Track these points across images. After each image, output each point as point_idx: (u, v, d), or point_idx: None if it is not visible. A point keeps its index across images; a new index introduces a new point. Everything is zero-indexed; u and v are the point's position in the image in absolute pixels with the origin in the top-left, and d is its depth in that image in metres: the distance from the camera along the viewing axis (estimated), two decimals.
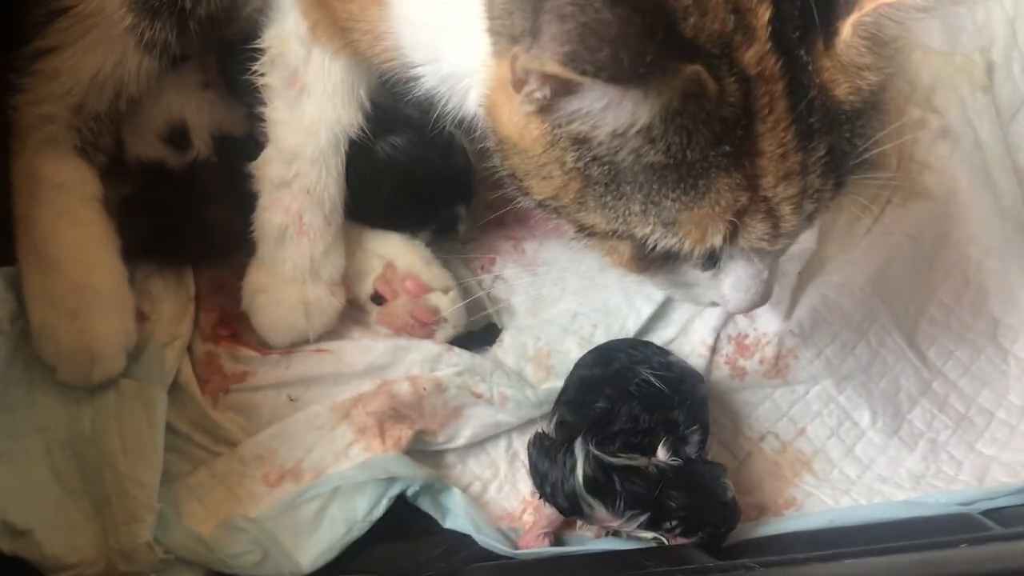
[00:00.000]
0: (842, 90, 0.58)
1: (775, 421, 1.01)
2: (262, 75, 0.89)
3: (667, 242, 0.62)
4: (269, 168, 0.90)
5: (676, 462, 0.87)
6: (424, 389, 0.93)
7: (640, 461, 0.86)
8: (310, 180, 0.89)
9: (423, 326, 0.96)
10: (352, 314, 0.98)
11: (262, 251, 0.93)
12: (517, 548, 0.90)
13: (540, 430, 0.91)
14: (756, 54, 0.55)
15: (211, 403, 0.93)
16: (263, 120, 0.90)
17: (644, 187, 0.60)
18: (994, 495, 0.95)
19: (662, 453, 0.87)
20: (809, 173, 0.60)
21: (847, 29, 0.57)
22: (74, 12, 0.86)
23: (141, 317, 0.93)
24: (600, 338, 0.98)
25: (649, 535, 0.86)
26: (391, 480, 0.88)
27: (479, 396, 0.95)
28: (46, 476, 0.85)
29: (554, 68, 0.50)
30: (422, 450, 0.94)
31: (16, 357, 0.86)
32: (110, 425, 0.87)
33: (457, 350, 0.97)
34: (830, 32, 0.57)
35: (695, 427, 0.89)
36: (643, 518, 0.84)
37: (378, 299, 0.98)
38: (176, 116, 0.96)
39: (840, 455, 1.00)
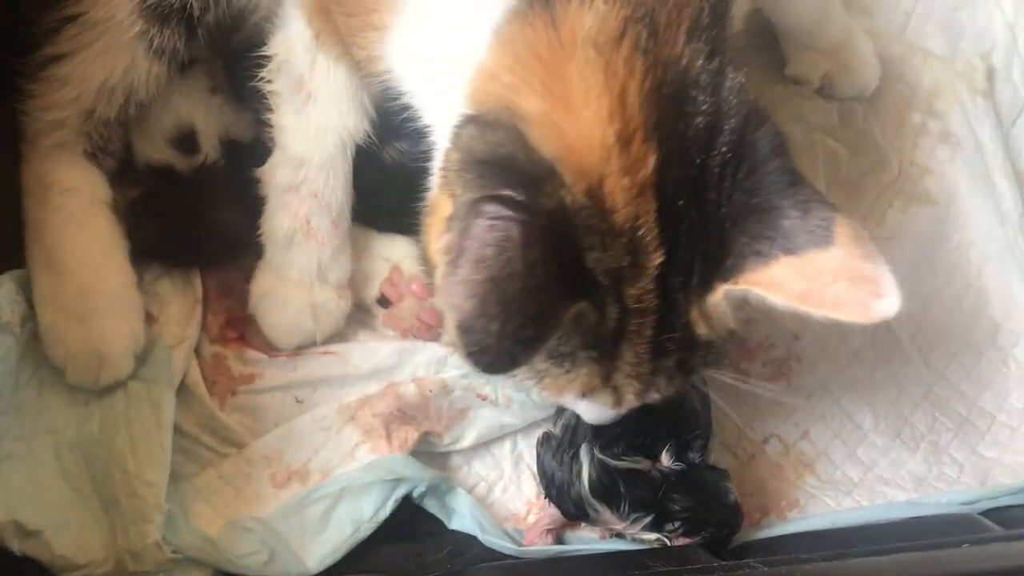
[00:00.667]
0: (701, 329, 0.65)
1: (778, 424, 1.01)
2: (269, 82, 0.89)
3: (528, 382, 0.69)
4: (277, 173, 0.91)
5: (679, 467, 0.87)
6: (430, 391, 0.93)
7: (643, 464, 0.87)
8: (317, 185, 0.90)
9: (429, 328, 0.96)
10: (358, 317, 0.99)
11: (269, 254, 0.94)
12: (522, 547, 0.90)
13: (548, 430, 0.91)
14: (639, 291, 0.62)
15: (218, 404, 0.94)
16: (270, 126, 0.91)
17: None
18: (995, 495, 0.95)
19: (665, 459, 0.88)
20: (657, 377, 0.68)
21: (719, 293, 0.63)
22: (84, 19, 0.86)
23: (149, 319, 0.93)
24: None
25: (652, 536, 0.86)
26: (397, 481, 0.88)
27: (484, 398, 0.95)
28: (55, 477, 0.85)
29: (452, 320, 0.56)
30: (428, 451, 0.95)
31: (26, 359, 0.87)
32: (119, 426, 0.88)
33: None
34: (706, 289, 0.63)
35: (697, 431, 0.90)
36: (647, 520, 0.85)
37: (384, 302, 0.98)
38: (185, 120, 0.97)
39: (842, 457, 1.00)
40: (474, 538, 0.90)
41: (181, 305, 0.96)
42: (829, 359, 1.04)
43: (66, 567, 0.82)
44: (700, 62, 0.63)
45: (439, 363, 0.96)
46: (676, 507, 0.85)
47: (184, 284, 0.97)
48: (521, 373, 0.67)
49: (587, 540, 0.92)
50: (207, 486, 0.90)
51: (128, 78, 0.89)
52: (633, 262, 0.61)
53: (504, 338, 0.55)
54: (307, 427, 0.93)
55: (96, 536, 0.84)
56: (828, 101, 1.14)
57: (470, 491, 0.94)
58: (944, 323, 1.07)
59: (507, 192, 0.58)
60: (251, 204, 0.93)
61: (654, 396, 0.70)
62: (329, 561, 0.86)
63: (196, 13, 0.88)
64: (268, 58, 0.89)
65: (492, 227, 0.56)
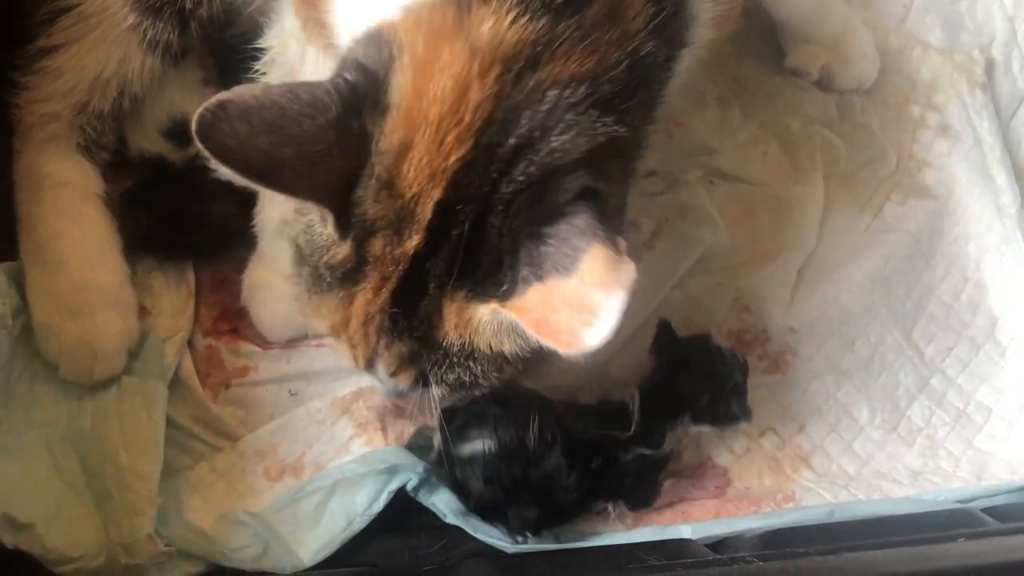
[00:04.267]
0: (449, 331, 0.66)
1: (775, 417, 1.01)
2: (263, 74, 0.89)
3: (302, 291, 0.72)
4: None
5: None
6: None
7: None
8: None
9: None
10: None
11: (262, 246, 0.94)
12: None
13: None
14: (382, 253, 0.64)
15: (212, 397, 0.94)
16: None
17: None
18: (992, 493, 0.94)
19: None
20: (385, 353, 0.69)
21: (486, 310, 0.64)
22: (77, 11, 0.86)
23: (142, 312, 0.93)
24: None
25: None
26: (391, 474, 0.88)
27: None
28: (48, 471, 0.85)
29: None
30: (423, 446, 0.93)
31: (18, 353, 0.87)
32: (111, 420, 0.88)
33: None
34: (475, 299, 0.64)
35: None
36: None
37: None
38: (178, 111, 0.96)
39: (839, 451, 0.99)
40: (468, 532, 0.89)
41: (174, 298, 0.96)
42: (825, 353, 1.03)
43: (59, 560, 0.82)
44: (558, 98, 0.63)
45: None
46: (692, 389, 0.92)
47: (177, 276, 0.97)
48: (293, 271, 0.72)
49: (584, 535, 0.91)
50: (200, 480, 0.90)
51: (122, 71, 0.89)
52: (395, 228, 0.63)
53: (236, 137, 0.59)
54: (301, 420, 0.93)
55: (88, 529, 0.84)
56: (826, 93, 1.14)
57: None
58: (941, 316, 1.07)
59: (355, 80, 0.63)
60: (245, 196, 0.91)
61: (381, 373, 0.71)
62: (323, 554, 0.86)
63: (188, 7, 0.88)
64: (262, 51, 0.88)
65: (324, 89, 0.62)
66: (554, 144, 0.63)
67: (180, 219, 0.96)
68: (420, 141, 0.62)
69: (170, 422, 0.90)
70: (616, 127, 0.65)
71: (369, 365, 0.72)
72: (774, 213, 1.08)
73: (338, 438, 0.92)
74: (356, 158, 0.63)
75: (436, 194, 0.62)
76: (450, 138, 0.61)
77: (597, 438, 0.89)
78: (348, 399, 0.93)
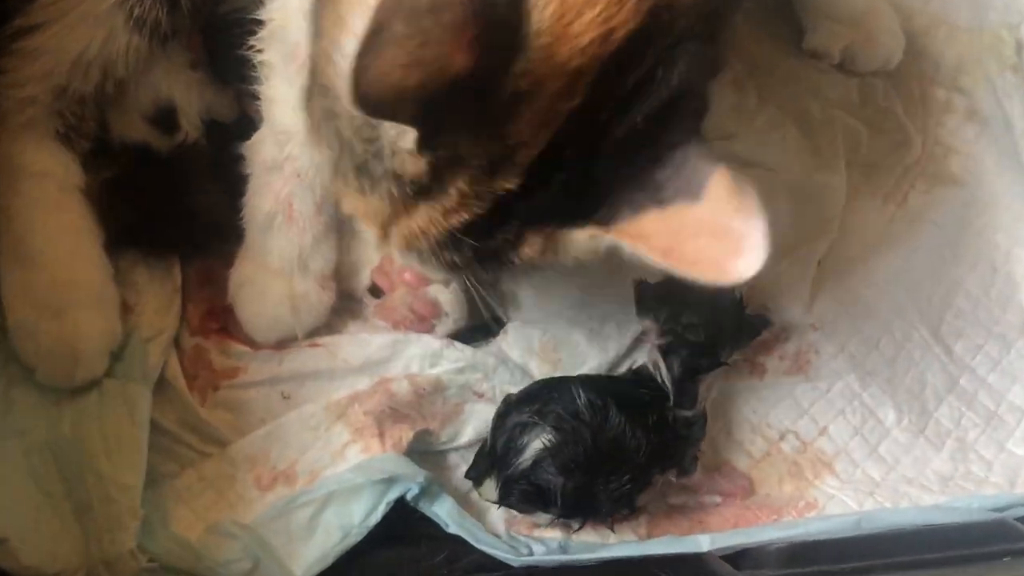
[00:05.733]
0: (522, 254, 0.65)
1: (795, 419, 0.97)
2: (259, 51, 0.84)
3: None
4: (262, 149, 0.86)
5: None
6: (423, 389, 0.90)
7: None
8: (302, 163, 0.85)
9: (422, 320, 0.92)
10: (349, 307, 0.95)
11: (250, 239, 0.89)
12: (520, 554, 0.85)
13: None
14: (466, 187, 0.60)
15: (199, 401, 0.89)
16: (257, 99, 0.86)
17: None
18: None
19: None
20: (425, 260, 0.68)
21: (585, 233, 0.63)
22: None
23: (124, 309, 0.89)
24: (610, 330, 0.95)
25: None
26: (389, 483, 0.84)
27: (480, 396, 0.92)
28: (24, 481, 0.81)
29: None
30: (423, 451, 0.91)
31: None
32: (91, 426, 0.84)
33: (459, 345, 0.93)
34: (568, 224, 0.63)
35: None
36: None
37: (376, 291, 0.94)
38: (164, 96, 0.92)
39: (863, 455, 0.95)
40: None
41: (158, 294, 0.92)
42: (848, 351, 1.00)
43: None
44: (685, 28, 0.59)
45: (433, 356, 0.92)
46: (711, 330, 0.89)
47: (162, 272, 0.93)
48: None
49: (592, 547, 0.87)
50: (187, 488, 0.86)
51: (106, 51, 0.85)
52: (487, 168, 0.59)
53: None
54: (293, 425, 0.88)
55: (67, 544, 0.80)
56: (847, 76, 1.10)
57: (469, 490, 0.90)
58: (969, 311, 1.03)
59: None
60: (233, 187, 0.89)
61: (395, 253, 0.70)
62: (316, 569, 0.82)
63: None
64: (259, 25, 0.83)
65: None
66: (676, 79, 0.59)
67: (165, 210, 0.92)
68: (547, 89, 0.56)
69: (155, 426, 0.86)
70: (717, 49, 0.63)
71: (385, 241, 0.68)
72: (794, 201, 1.03)
73: (333, 444, 0.87)
74: (475, 97, 0.55)
75: (544, 139, 0.58)
76: (579, 85, 0.56)
77: (644, 399, 0.87)
78: (343, 403, 0.89)
